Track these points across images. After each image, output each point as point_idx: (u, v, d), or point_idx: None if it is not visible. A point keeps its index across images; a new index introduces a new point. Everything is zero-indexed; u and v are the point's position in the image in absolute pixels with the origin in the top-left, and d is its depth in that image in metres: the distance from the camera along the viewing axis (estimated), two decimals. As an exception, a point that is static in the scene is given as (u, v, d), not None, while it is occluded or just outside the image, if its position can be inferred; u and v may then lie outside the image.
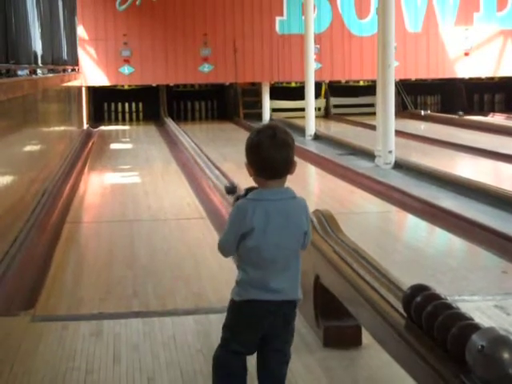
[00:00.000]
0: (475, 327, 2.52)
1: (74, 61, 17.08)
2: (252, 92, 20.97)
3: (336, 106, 21.27)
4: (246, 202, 2.95)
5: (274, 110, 20.61)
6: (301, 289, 3.04)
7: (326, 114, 20.93)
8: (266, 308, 2.95)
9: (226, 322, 3.04)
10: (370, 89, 19.26)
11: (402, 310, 3.05)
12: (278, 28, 19.64)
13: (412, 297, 2.93)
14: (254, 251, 2.94)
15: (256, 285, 2.95)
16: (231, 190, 7.36)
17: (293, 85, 20.88)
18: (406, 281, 3.37)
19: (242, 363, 3.03)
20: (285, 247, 2.96)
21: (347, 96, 21.16)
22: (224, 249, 3.03)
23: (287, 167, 2.96)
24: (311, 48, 15.72)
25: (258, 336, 3.00)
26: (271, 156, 2.92)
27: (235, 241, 2.96)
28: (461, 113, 19.93)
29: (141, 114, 21.23)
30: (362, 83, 21.40)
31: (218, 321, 4.42)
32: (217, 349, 3.05)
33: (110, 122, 20.62)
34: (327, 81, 20.36)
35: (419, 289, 2.97)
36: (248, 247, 2.95)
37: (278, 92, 20.93)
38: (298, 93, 18.66)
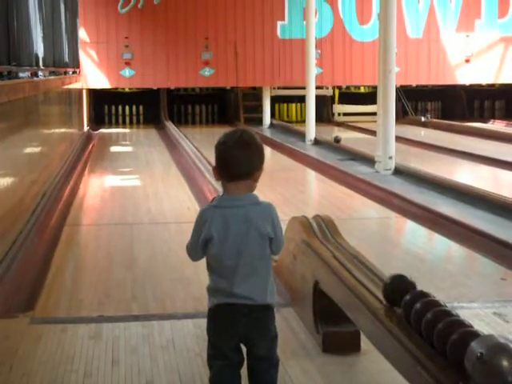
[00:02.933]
0: (474, 334, 2.52)
1: (76, 63, 17.09)
2: (253, 96, 20.99)
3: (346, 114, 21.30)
4: (208, 208, 2.98)
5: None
6: (273, 293, 3.04)
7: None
8: (235, 311, 2.95)
9: (207, 332, 3.06)
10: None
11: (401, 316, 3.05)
12: (279, 32, 19.65)
13: (412, 303, 2.94)
14: (216, 259, 2.95)
15: (222, 292, 2.96)
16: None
17: (362, 90, 21.04)
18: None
19: (233, 374, 3.01)
20: (248, 254, 2.93)
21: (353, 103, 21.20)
22: (190, 253, 3.05)
23: (249, 169, 2.92)
24: (312, 53, 15.74)
25: (235, 341, 2.99)
26: (232, 156, 2.90)
27: (199, 246, 2.97)
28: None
29: (141, 117, 21.25)
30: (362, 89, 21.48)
31: (216, 325, 4.42)
32: (209, 367, 3.05)
33: (110, 125, 20.64)
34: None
35: (419, 295, 2.98)
36: (210, 255, 2.97)
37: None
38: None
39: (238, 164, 2.90)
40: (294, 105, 21.52)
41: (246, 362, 3.06)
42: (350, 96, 21.33)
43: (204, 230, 2.93)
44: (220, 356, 2.98)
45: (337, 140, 12.10)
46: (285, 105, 21.70)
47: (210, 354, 3.03)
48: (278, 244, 3.02)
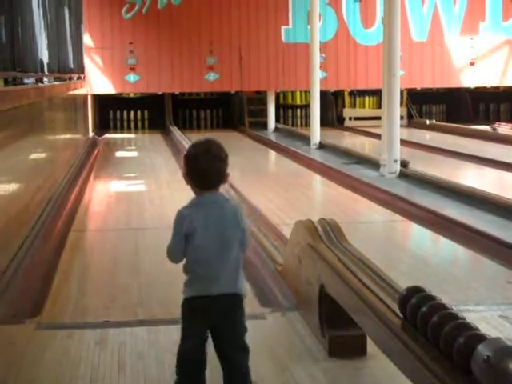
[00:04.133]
0: (481, 337, 2.52)
1: (80, 69, 17.12)
2: (257, 100, 21.00)
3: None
4: (185, 207, 3.29)
5: (352, 119, 21.12)
6: (242, 284, 3.32)
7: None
8: (208, 301, 3.24)
9: (181, 317, 3.33)
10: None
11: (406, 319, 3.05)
12: (283, 37, 19.66)
13: (418, 306, 2.93)
14: (199, 250, 3.24)
15: (200, 281, 3.25)
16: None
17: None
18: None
19: (200, 353, 3.28)
20: (226, 245, 3.26)
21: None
22: (172, 253, 3.32)
23: (220, 178, 3.29)
24: (316, 57, 15.74)
25: (207, 325, 3.27)
26: (205, 169, 3.25)
27: (181, 243, 3.26)
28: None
29: (146, 122, 21.27)
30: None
31: (222, 329, 4.42)
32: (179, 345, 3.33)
33: (115, 130, 20.66)
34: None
35: (425, 298, 2.97)
36: (193, 247, 3.25)
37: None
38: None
39: (211, 177, 3.27)
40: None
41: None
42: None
43: (185, 226, 3.24)
44: (192, 338, 3.27)
45: (404, 164, 10.99)
46: (289, 109, 21.73)
47: (182, 334, 3.30)
48: (246, 237, 3.35)
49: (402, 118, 19.83)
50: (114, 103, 20.77)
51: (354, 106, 21.69)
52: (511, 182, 11.12)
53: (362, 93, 21.18)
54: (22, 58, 7.79)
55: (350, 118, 21.24)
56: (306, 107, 19.77)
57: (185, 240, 3.25)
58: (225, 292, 3.25)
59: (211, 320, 3.26)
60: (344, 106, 21.56)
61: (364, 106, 21.75)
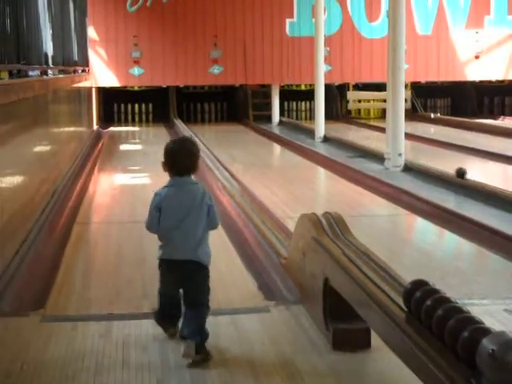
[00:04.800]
0: (486, 331, 2.52)
1: (85, 62, 17.13)
2: (262, 94, 20.98)
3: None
4: (162, 188, 4.06)
5: (356, 101, 21.28)
6: (208, 255, 4.01)
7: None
8: (172, 264, 4.00)
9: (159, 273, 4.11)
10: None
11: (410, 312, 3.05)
12: (288, 30, 19.64)
13: (422, 300, 2.93)
14: (168, 220, 3.98)
15: (167, 247, 4.00)
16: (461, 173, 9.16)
17: (302, 87, 21.16)
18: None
19: (175, 302, 4.09)
20: (191, 219, 3.98)
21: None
22: (150, 225, 4.06)
23: (192, 169, 4.09)
24: (321, 50, 15.72)
25: (176, 281, 4.02)
26: (181, 161, 4.05)
27: (156, 215, 4.01)
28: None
29: (150, 115, 21.27)
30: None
31: (226, 322, 4.42)
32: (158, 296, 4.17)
33: (119, 123, 20.66)
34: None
35: (429, 292, 2.97)
36: (163, 217, 3.99)
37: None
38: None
39: (185, 168, 4.06)
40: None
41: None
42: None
43: (159, 201, 4.00)
44: (166, 287, 4.10)
45: (461, 173, 9.27)
46: (294, 102, 21.70)
47: (160, 289, 4.13)
48: (214, 212, 4.04)
49: (406, 101, 19.90)
50: (119, 96, 20.77)
51: (358, 101, 21.68)
52: (516, 175, 11.11)
53: (367, 86, 21.14)
54: (26, 50, 7.80)
55: (354, 101, 21.19)
56: (311, 101, 19.74)
57: (159, 212, 4.00)
58: (185, 258, 3.96)
59: (177, 278, 4.01)
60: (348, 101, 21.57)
61: (368, 102, 21.71)
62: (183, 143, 4.18)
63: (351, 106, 21.22)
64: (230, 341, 4.15)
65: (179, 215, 3.96)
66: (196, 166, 4.10)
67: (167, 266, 4.02)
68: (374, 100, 21.35)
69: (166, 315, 4.19)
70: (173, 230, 3.96)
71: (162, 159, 4.09)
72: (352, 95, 21.31)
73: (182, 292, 4.02)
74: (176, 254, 3.97)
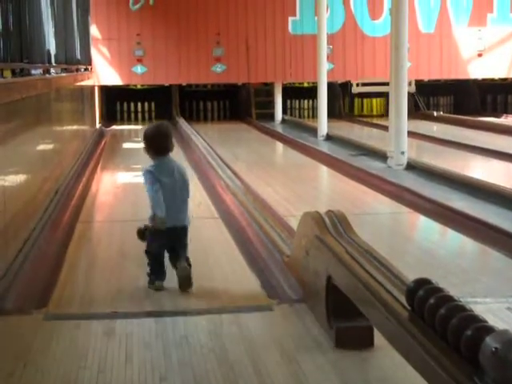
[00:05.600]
0: (489, 329, 2.52)
1: (87, 60, 17.12)
2: (264, 92, 20.97)
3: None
4: (150, 167, 5.01)
5: (359, 85, 21.04)
6: (189, 219, 5.12)
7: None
8: (172, 229, 4.99)
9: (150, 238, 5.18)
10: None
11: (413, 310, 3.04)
12: (290, 28, 19.63)
13: (425, 298, 2.93)
14: (165, 194, 4.91)
15: (168, 216, 4.92)
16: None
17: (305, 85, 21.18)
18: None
19: (162, 260, 5.16)
20: (180, 192, 5.00)
21: None
22: (156, 202, 4.93)
23: (170, 148, 5.07)
24: (324, 48, 15.71)
25: (169, 243, 5.08)
26: (160, 142, 5.05)
27: (159, 189, 4.90)
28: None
29: (153, 114, 21.25)
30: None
31: (230, 321, 4.43)
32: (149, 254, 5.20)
33: (122, 122, 20.66)
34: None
35: (432, 290, 2.97)
36: (163, 193, 4.90)
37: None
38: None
39: (165, 148, 5.05)
40: (374, 100, 21.58)
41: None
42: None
43: (155, 176, 4.90)
44: (161, 251, 5.14)
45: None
46: (297, 101, 21.68)
47: (153, 250, 5.15)
48: (188, 184, 5.13)
49: (409, 84, 19.87)
50: (121, 95, 20.77)
51: (360, 97, 21.65)
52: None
53: (369, 85, 21.10)
54: (29, 49, 7.80)
55: (358, 85, 21.08)
56: (314, 99, 19.71)
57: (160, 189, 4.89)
58: (176, 225, 4.99)
59: (170, 240, 5.05)
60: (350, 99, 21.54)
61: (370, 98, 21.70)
62: (159, 127, 5.15)
63: (354, 89, 20.99)
64: (233, 339, 4.15)
65: (174, 189, 4.92)
66: (172, 145, 5.09)
67: (167, 232, 4.96)
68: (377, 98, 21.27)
69: (157, 271, 5.11)
70: (171, 202, 4.90)
71: (143, 145, 5.03)
72: (356, 89, 21.25)
73: (170, 249, 5.06)
74: (173, 221, 4.95)
